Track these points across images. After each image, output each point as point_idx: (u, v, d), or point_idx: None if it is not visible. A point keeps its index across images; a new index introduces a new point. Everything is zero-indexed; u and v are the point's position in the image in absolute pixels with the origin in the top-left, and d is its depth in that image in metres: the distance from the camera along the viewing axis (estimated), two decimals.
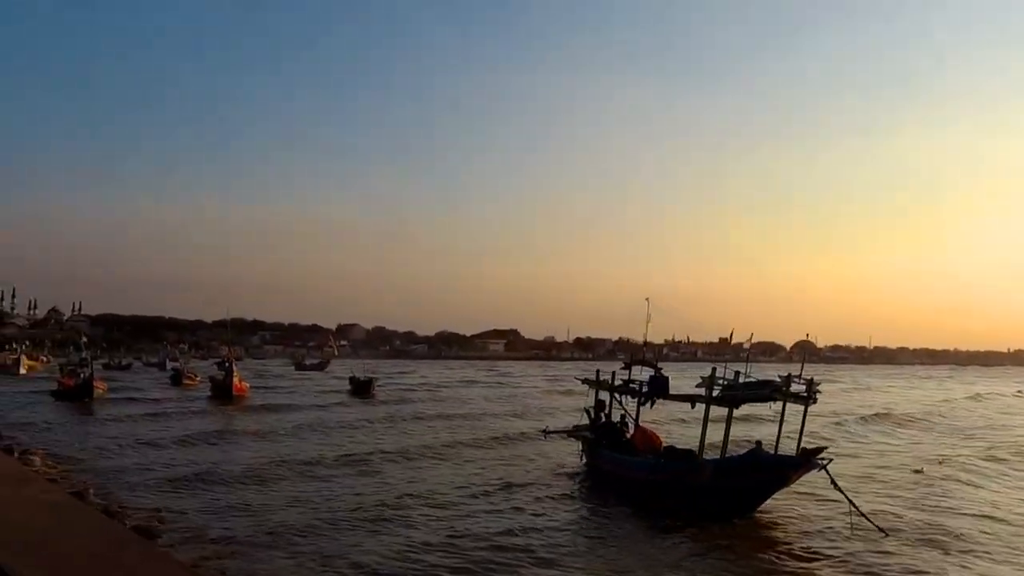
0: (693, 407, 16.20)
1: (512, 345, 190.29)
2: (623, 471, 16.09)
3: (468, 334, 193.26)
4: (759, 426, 21.32)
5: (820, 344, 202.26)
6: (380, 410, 34.85)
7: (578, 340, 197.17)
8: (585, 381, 19.78)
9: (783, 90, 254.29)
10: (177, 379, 54.19)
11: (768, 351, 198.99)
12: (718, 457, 15.04)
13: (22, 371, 64.37)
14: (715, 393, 14.92)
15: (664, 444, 17.18)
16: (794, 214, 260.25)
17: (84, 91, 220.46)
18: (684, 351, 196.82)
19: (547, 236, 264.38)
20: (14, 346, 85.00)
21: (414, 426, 28.13)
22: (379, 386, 48.37)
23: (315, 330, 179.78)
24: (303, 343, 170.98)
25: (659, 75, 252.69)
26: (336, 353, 70.25)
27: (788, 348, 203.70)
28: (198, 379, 52.56)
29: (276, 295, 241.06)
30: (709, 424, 15.69)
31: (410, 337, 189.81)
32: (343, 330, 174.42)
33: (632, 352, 20.96)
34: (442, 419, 30.63)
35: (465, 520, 13.28)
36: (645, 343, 19.65)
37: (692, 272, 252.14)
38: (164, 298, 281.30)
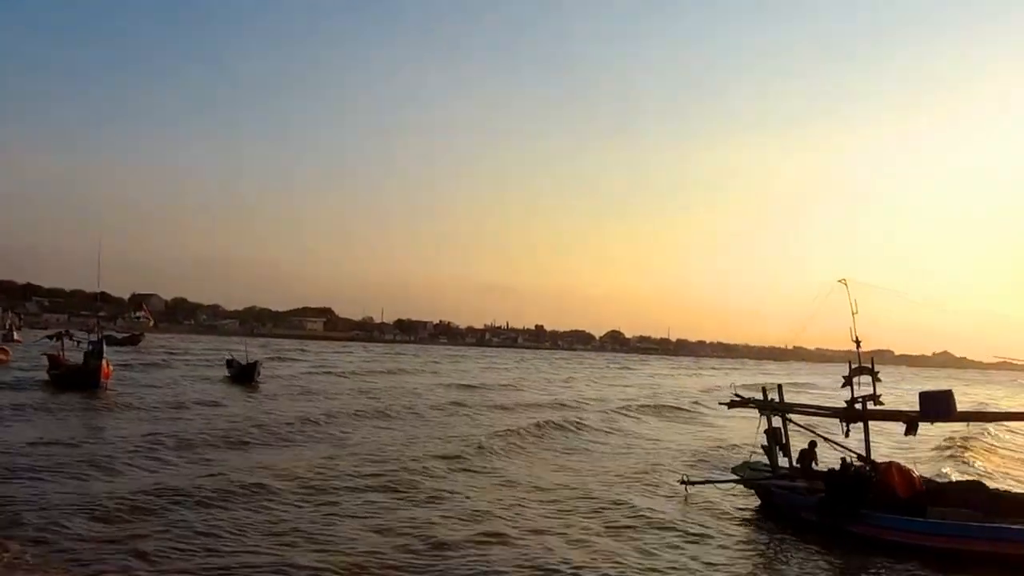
0: None
1: (331, 324, 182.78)
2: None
3: (279, 310, 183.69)
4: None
5: (628, 335, 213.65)
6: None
7: (399, 322, 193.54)
8: (746, 402, 14.10)
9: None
10: None
11: (582, 340, 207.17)
12: None
13: None
14: None
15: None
16: (609, 212, 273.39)
17: None
18: (505, 336, 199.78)
19: (362, 218, 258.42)
20: None
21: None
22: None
23: (104, 299, 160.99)
24: (91, 313, 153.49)
25: (490, 67, 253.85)
26: (152, 324, 58.14)
27: (599, 337, 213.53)
28: (10, 354, 43.86)
29: (53, 257, 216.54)
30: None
31: (216, 311, 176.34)
32: (137, 300, 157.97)
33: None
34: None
35: None
36: (858, 342, 13.09)
37: (506, 264, 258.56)
38: None
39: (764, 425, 13.74)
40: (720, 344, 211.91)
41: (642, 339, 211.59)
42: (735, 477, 14.44)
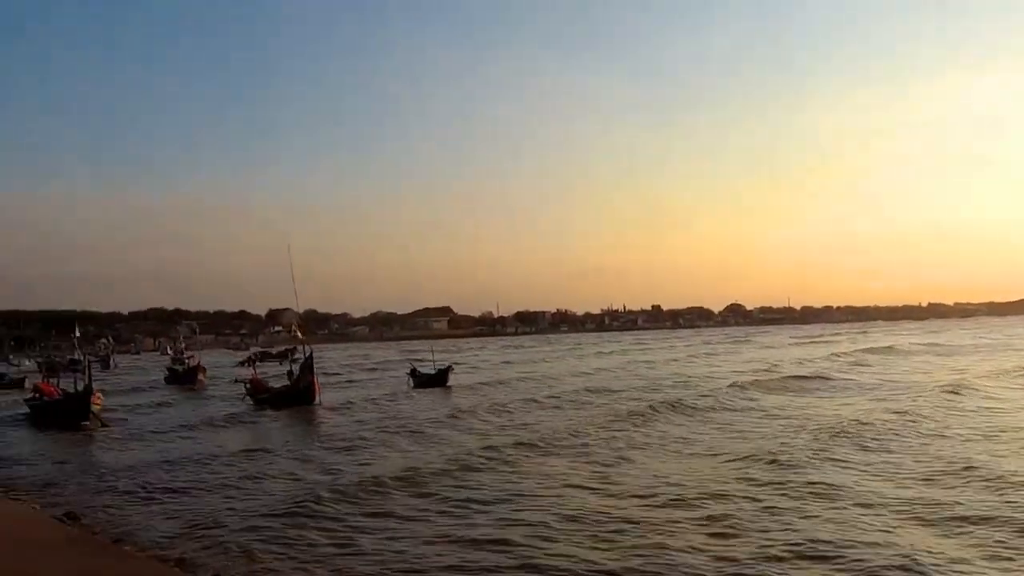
0: None
1: (453, 323, 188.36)
2: None
3: (403, 313, 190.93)
4: None
5: (749, 307, 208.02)
6: None
7: (519, 314, 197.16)
8: None
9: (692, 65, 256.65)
10: (190, 376, 43.10)
11: (702, 316, 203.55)
12: None
13: None
14: None
15: None
16: (715, 186, 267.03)
17: None
18: (624, 319, 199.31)
19: (471, 214, 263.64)
20: None
21: None
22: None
23: (243, 316, 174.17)
24: (233, 331, 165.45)
25: (571, 52, 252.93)
26: (303, 338, 54.72)
27: (718, 312, 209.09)
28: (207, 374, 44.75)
29: (195, 282, 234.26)
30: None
31: (346, 319, 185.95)
32: (274, 315, 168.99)
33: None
34: None
35: None
36: None
37: (617, 244, 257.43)
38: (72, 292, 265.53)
39: None
40: (849, 308, 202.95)
41: (764, 310, 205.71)
42: None
